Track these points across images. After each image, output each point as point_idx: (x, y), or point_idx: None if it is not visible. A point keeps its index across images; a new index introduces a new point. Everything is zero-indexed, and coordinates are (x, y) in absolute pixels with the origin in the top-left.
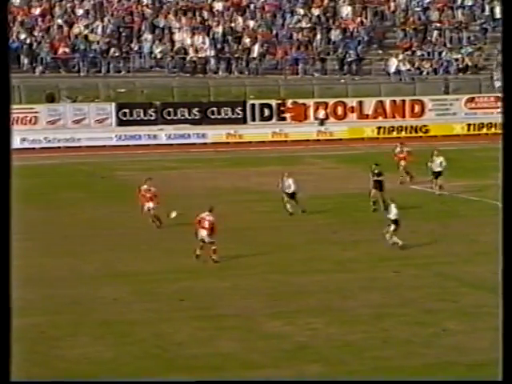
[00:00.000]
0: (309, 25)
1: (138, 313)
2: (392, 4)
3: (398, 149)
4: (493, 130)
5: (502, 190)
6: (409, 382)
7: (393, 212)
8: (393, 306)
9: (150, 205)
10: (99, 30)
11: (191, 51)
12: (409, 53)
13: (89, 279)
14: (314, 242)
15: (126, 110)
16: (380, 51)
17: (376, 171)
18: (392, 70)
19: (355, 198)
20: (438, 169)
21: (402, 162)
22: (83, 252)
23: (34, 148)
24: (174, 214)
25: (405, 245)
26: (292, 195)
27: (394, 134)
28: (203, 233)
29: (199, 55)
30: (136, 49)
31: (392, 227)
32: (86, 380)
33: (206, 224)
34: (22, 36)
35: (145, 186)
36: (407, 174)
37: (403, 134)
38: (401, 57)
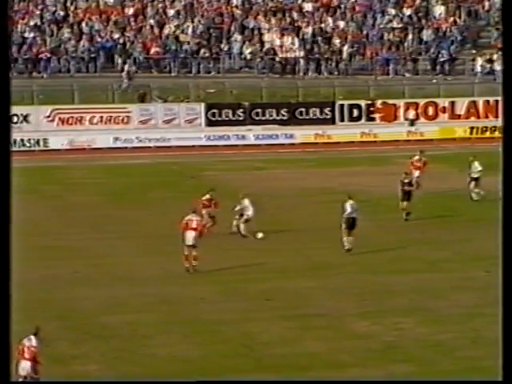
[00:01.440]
0: (400, 25)
1: (225, 312)
2: (486, 3)
3: (417, 157)
4: None
5: (502, 191)
6: (409, 382)
7: None
8: (484, 306)
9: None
10: (190, 31)
11: (280, 52)
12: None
13: (178, 278)
14: (403, 241)
15: (215, 111)
16: (474, 51)
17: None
18: (478, 69)
19: (446, 198)
20: (475, 175)
21: (417, 172)
22: (173, 251)
23: (126, 147)
24: (260, 235)
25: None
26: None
27: (488, 134)
28: (191, 234)
29: (288, 56)
30: (226, 49)
31: None
32: (87, 380)
33: (194, 224)
34: (116, 35)
35: (207, 196)
36: (417, 184)
37: (496, 134)
38: (495, 56)
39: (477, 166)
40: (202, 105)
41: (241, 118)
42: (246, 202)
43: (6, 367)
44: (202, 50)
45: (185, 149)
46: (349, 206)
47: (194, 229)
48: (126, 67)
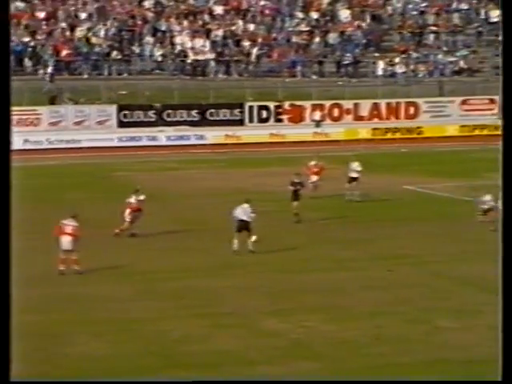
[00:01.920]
0: (307, 28)
1: (136, 311)
2: (389, 8)
3: (313, 162)
4: (485, 131)
5: (502, 191)
6: (409, 382)
7: None
8: (387, 304)
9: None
10: (101, 33)
11: (191, 54)
12: (405, 55)
13: (89, 277)
14: (312, 241)
15: (127, 112)
16: (377, 54)
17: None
18: (380, 72)
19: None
20: (354, 174)
21: (315, 177)
22: (84, 250)
23: (36, 149)
24: (253, 238)
25: (400, 245)
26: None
27: (389, 135)
28: (66, 239)
29: (199, 58)
30: (137, 52)
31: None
32: (86, 380)
33: (69, 229)
34: (26, 39)
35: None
36: (315, 187)
37: (398, 135)
38: (397, 59)
39: (356, 166)
40: (114, 106)
41: (152, 120)
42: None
43: (6, 367)
44: (114, 52)
45: (96, 150)
46: (239, 209)
47: (69, 234)
48: (49, 70)
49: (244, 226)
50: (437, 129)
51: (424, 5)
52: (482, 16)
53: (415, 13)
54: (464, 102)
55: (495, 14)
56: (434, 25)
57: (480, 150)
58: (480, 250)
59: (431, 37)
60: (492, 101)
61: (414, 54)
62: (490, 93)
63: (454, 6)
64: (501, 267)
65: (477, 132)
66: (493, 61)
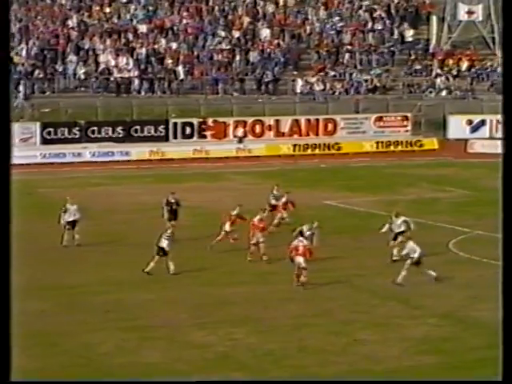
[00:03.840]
0: (229, 46)
1: (65, 324)
2: (308, 27)
3: (235, 212)
4: (399, 147)
5: (502, 192)
6: (408, 382)
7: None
8: (309, 317)
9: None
10: (24, 53)
11: (115, 72)
12: (322, 73)
13: (16, 292)
14: (235, 255)
15: (51, 129)
16: (296, 72)
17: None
18: (298, 89)
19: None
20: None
21: (227, 225)
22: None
23: None
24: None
25: (322, 258)
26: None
27: (309, 151)
28: None
29: (123, 76)
30: (60, 70)
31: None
32: (85, 380)
33: None
34: None
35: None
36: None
37: (317, 151)
38: (315, 78)
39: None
40: (37, 124)
41: (77, 136)
42: (74, 207)
43: (6, 367)
44: (37, 71)
45: (20, 167)
46: (164, 236)
47: None
48: (21, 88)
49: (163, 251)
50: (354, 145)
51: (340, 24)
52: (396, 36)
53: (332, 32)
54: (378, 119)
55: (409, 34)
56: (350, 44)
57: (395, 165)
58: (399, 263)
59: (347, 55)
60: (405, 118)
61: (331, 72)
62: (403, 110)
63: (369, 26)
64: (501, 267)
65: (391, 148)
66: (405, 79)
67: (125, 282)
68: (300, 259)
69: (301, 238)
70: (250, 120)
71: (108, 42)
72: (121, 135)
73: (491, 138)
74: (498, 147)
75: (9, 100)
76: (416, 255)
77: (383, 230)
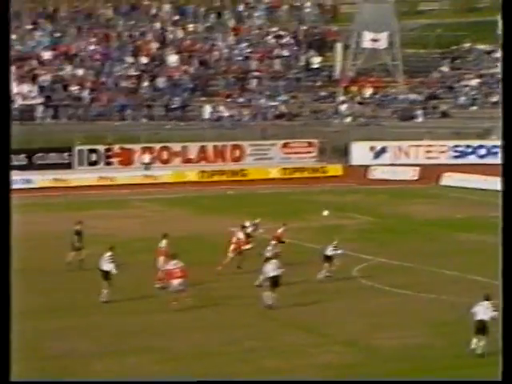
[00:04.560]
0: (136, 72)
1: None
2: (216, 53)
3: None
4: (305, 173)
5: (502, 192)
6: (408, 382)
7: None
8: (214, 345)
9: None
10: None
11: (19, 99)
12: (230, 100)
13: None
14: (139, 283)
15: None
16: (203, 98)
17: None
18: (206, 115)
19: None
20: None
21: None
22: None
23: None
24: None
25: (227, 286)
26: None
27: (216, 177)
28: None
29: (27, 103)
30: None
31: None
32: (86, 380)
33: None
34: None
35: None
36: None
37: (224, 177)
38: (222, 104)
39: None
40: None
41: None
42: None
43: (6, 367)
44: None
45: None
46: (105, 258)
47: None
48: None
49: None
50: (260, 171)
51: (248, 51)
52: (302, 62)
53: (240, 58)
54: (285, 145)
55: (315, 61)
56: (257, 70)
57: (300, 192)
58: (304, 289)
59: (254, 82)
60: (310, 144)
61: (239, 99)
62: (309, 136)
63: (276, 52)
64: (501, 268)
65: (297, 174)
66: (311, 105)
67: (27, 310)
68: (177, 281)
69: (175, 261)
70: (157, 146)
71: (12, 69)
72: (24, 163)
73: (392, 164)
74: (398, 173)
75: (9, 100)
76: (272, 274)
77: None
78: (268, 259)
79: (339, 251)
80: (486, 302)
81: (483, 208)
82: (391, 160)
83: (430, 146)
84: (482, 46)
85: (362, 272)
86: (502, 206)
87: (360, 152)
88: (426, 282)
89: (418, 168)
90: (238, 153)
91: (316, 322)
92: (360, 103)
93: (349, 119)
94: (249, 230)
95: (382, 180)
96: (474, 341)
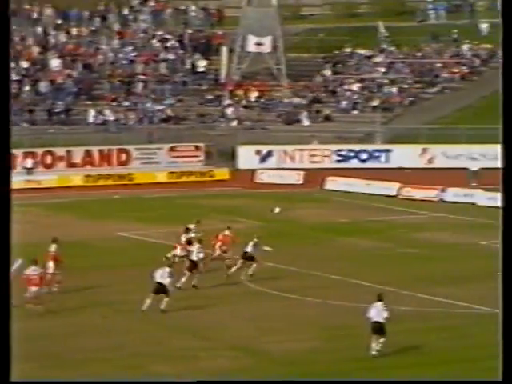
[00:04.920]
0: (17, 77)
1: None
2: (100, 57)
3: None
4: (192, 177)
5: (502, 191)
6: (408, 382)
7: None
8: (100, 351)
9: None
10: None
11: None
12: (115, 103)
13: None
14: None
15: None
16: (88, 102)
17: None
18: (91, 119)
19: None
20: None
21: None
22: None
23: None
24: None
25: (114, 290)
26: None
27: (101, 182)
28: None
29: None
30: None
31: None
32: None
33: None
34: None
35: None
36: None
37: (110, 181)
38: (107, 108)
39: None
40: None
41: None
42: None
43: (6, 367)
44: None
45: None
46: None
47: None
48: None
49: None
50: (147, 175)
51: (133, 54)
52: (188, 66)
53: (125, 62)
54: (172, 149)
55: (201, 64)
56: (143, 74)
57: (187, 196)
58: (191, 294)
59: (140, 85)
60: (197, 148)
61: (124, 102)
62: (196, 140)
63: (162, 55)
64: (501, 268)
65: (184, 178)
66: (198, 109)
67: None
68: (34, 289)
69: (34, 267)
70: (40, 151)
71: None
72: None
73: (278, 168)
74: (284, 177)
75: (9, 100)
76: (159, 280)
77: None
78: (193, 262)
79: (265, 248)
80: (379, 303)
81: (365, 212)
82: (277, 164)
83: (314, 150)
84: (362, 51)
85: (249, 276)
86: (502, 209)
87: (246, 156)
88: (313, 286)
89: (302, 172)
90: (124, 157)
91: (204, 326)
92: (245, 107)
93: (235, 123)
94: (192, 233)
95: (268, 184)
96: (373, 345)
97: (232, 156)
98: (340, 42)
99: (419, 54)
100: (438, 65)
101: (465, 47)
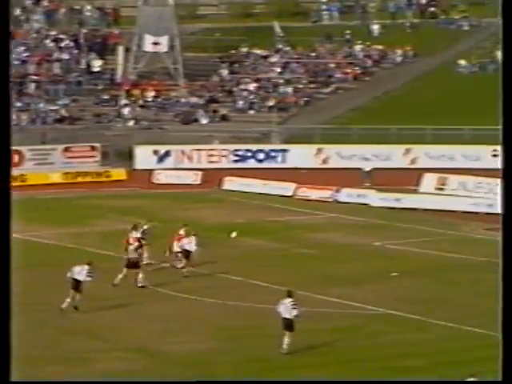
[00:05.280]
0: None
1: None
2: None
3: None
4: (88, 178)
5: (503, 191)
6: (408, 382)
7: None
8: None
9: None
10: None
11: None
12: None
13: None
14: None
15: None
16: None
17: None
18: None
19: None
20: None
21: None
22: None
23: None
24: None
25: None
26: None
27: None
28: None
29: None
30: None
31: None
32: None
33: None
34: None
35: None
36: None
37: None
38: None
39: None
40: None
41: None
42: None
43: (6, 367)
44: None
45: None
46: None
47: None
48: None
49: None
50: (40, 176)
51: (25, 55)
52: (83, 66)
53: (17, 62)
54: (66, 150)
55: (96, 64)
56: (35, 74)
57: (83, 196)
58: (87, 295)
59: (33, 86)
60: (93, 148)
61: (17, 103)
62: (92, 140)
63: (55, 55)
64: (501, 268)
65: (80, 179)
66: (93, 109)
67: None
68: None
69: None
70: None
71: None
72: None
73: (176, 168)
74: (181, 178)
75: (9, 100)
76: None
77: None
78: (131, 261)
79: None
80: (288, 300)
81: (262, 212)
82: (175, 164)
83: (211, 149)
84: (258, 51)
85: (146, 277)
86: (502, 210)
87: (143, 156)
88: (211, 286)
89: (200, 172)
90: (16, 158)
91: (101, 328)
92: (142, 106)
93: (131, 123)
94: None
95: (166, 184)
96: (286, 340)
97: (129, 156)
98: (236, 42)
99: (313, 54)
100: (332, 65)
101: (357, 48)
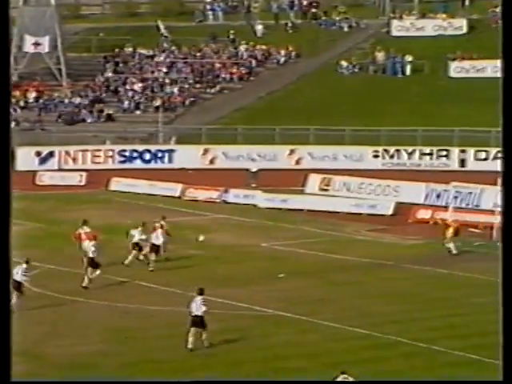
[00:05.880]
0: None
1: None
2: None
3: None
4: None
5: (503, 195)
6: (408, 382)
7: None
8: None
9: None
10: None
11: None
12: None
13: None
14: None
15: None
16: None
17: None
18: None
19: None
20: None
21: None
22: None
23: None
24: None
25: None
26: None
27: None
28: None
29: None
30: None
31: None
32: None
33: None
34: None
35: None
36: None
37: None
38: None
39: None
40: None
41: None
42: None
43: (6, 367)
44: None
45: None
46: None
47: None
48: None
49: None
50: None
51: None
52: None
53: None
54: None
55: None
56: None
57: None
58: None
59: None
60: None
61: None
62: None
63: None
64: (501, 268)
65: None
66: None
67: None
68: None
69: None
70: None
71: None
72: None
73: (60, 169)
74: (66, 179)
75: (9, 100)
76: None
77: None
78: (90, 259)
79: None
80: (199, 298)
81: (150, 213)
82: (58, 165)
83: (97, 150)
84: (143, 51)
85: (31, 280)
86: (502, 213)
87: (25, 157)
88: (96, 287)
89: (84, 173)
90: None
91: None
92: (23, 108)
93: (12, 124)
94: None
95: (50, 186)
96: (191, 339)
97: (11, 157)
98: (121, 42)
99: (199, 54)
100: (217, 65)
101: (242, 48)
